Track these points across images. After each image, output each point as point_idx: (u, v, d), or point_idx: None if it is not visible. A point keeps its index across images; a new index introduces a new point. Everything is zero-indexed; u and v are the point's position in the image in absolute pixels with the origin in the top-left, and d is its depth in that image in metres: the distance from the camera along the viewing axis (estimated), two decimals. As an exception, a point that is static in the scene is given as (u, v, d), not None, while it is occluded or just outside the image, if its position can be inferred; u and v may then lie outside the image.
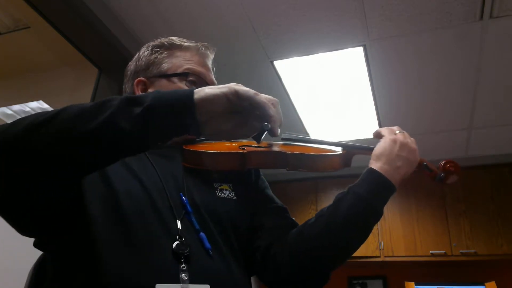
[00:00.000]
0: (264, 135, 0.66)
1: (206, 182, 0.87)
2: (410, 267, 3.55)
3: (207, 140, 0.94)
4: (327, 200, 3.77)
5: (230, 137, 0.66)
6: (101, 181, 0.75)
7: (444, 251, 3.29)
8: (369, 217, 0.79)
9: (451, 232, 3.37)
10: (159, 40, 1.01)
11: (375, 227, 3.43)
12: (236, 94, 0.62)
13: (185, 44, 0.99)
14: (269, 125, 0.64)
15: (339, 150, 0.93)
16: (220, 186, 0.88)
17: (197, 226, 0.76)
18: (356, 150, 0.94)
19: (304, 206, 3.81)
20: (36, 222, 0.67)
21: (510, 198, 3.33)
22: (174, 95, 0.61)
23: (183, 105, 0.60)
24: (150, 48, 1.00)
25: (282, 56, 2.41)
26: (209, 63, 1.01)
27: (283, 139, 0.94)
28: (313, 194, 3.86)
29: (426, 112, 2.95)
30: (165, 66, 0.96)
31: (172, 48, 0.99)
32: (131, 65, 1.02)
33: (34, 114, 0.60)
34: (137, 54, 1.02)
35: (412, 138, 0.89)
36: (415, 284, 3.34)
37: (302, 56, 2.40)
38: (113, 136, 0.58)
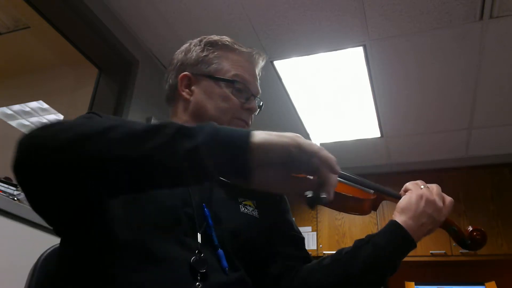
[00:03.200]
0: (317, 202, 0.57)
1: (231, 195, 0.86)
2: (410, 267, 3.55)
3: None
4: (327, 200, 3.76)
5: (278, 191, 0.60)
6: None
7: (444, 251, 3.29)
8: (387, 271, 0.80)
9: (451, 232, 3.36)
10: (212, 37, 0.98)
11: (375, 227, 3.42)
12: (298, 147, 0.54)
13: (239, 48, 0.97)
14: (325, 195, 0.55)
15: (370, 192, 0.89)
16: (244, 201, 0.87)
17: (216, 242, 0.75)
18: (387, 196, 0.90)
19: (304, 206, 3.80)
20: (61, 216, 0.65)
21: (510, 198, 3.33)
22: (231, 136, 0.54)
23: (238, 148, 0.53)
24: (203, 44, 0.97)
25: (282, 56, 2.41)
26: (258, 70, 1.00)
27: None
28: (313, 194, 3.85)
29: (426, 112, 2.95)
30: (214, 67, 0.93)
31: (224, 49, 0.96)
32: (179, 55, 0.99)
33: (80, 122, 0.58)
34: (187, 45, 1.00)
35: (443, 194, 0.86)
36: (415, 284, 3.34)
37: (302, 56, 2.40)
38: (156, 168, 0.54)
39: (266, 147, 0.53)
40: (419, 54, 2.35)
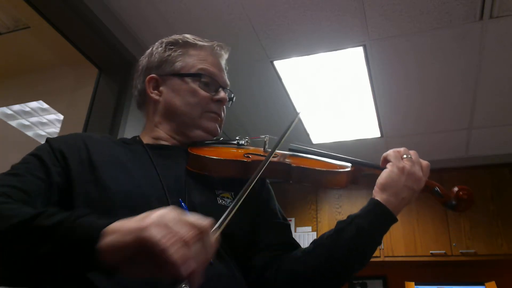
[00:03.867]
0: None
1: (208, 188, 0.85)
2: (410, 267, 3.55)
3: (213, 145, 0.93)
4: (327, 200, 3.77)
5: (152, 276, 0.52)
6: (94, 183, 0.74)
7: (444, 251, 3.29)
8: (370, 247, 0.80)
9: (451, 232, 3.36)
10: (173, 37, 0.99)
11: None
12: (145, 244, 0.48)
13: (200, 43, 0.98)
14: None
15: (348, 166, 0.87)
16: (221, 193, 0.86)
17: None
18: (365, 168, 0.88)
19: (304, 206, 3.81)
20: None
21: (510, 198, 3.33)
22: (80, 236, 0.53)
23: (84, 251, 0.51)
24: (164, 45, 0.98)
25: (282, 56, 2.41)
26: (223, 63, 1.00)
27: (290, 149, 0.92)
28: (313, 194, 3.85)
29: (426, 112, 2.95)
30: (179, 64, 0.95)
31: (186, 46, 0.97)
32: (143, 60, 1.00)
33: None
34: (150, 49, 1.00)
35: (421, 161, 0.85)
36: (415, 284, 3.34)
37: (302, 56, 2.40)
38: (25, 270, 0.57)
39: (115, 247, 0.50)
40: (419, 54, 2.35)
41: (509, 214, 3.28)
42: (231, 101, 1.01)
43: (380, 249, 3.45)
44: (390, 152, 0.85)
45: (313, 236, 3.58)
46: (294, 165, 0.85)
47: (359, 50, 2.33)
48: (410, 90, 2.70)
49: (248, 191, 0.69)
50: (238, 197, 0.66)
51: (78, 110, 2.39)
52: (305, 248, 0.85)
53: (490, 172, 3.47)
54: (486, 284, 3.17)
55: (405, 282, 3.38)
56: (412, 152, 0.84)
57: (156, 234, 0.47)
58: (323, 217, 3.67)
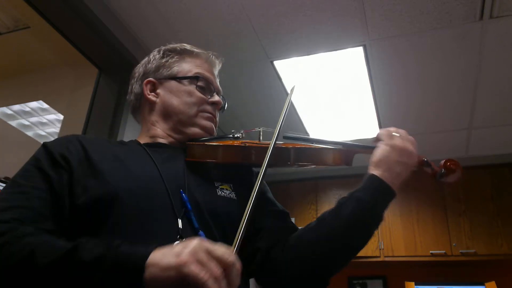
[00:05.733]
0: None
1: (208, 181, 0.88)
2: (410, 267, 3.55)
3: (210, 140, 0.96)
4: (327, 200, 3.77)
5: None
6: (95, 181, 0.75)
7: (444, 251, 3.29)
8: (371, 222, 0.80)
9: (451, 232, 3.36)
10: (170, 45, 1.05)
11: (375, 227, 3.33)
12: (186, 278, 0.55)
13: (196, 51, 1.03)
14: None
15: (339, 147, 0.94)
16: (221, 185, 0.89)
17: (196, 225, 0.77)
18: (356, 149, 0.93)
19: (304, 206, 3.81)
20: None
21: (510, 198, 3.33)
22: (125, 273, 0.58)
23: (133, 283, 0.58)
24: (161, 52, 1.03)
25: (282, 56, 2.41)
26: (216, 72, 1.06)
27: (285, 137, 0.95)
28: (313, 194, 3.86)
29: (426, 112, 2.95)
30: (176, 69, 1.00)
31: (183, 53, 1.02)
32: (140, 68, 1.05)
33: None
34: (146, 58, 1.05)
35: (410, 138, 0.89)
36: (415, 284, 3.34)
37: (302, 56, 2.40)
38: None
39: (157, 282, 0.56)
40: (419, 54, 2.35)
41: (509, 214, 3.28)
42: (222, 109, 1.06)
43: (380, 249, 3.45)
44: (381, 131, 0.90)
45: (313, 236, 3.57)
46: (291, 146, 0.89)
47: (359, 50, 2.33)
48: (410, 90, 2.70)
49: (255, 192, 0.72)
50: (250, 202, 0.71)
51: (78, 110, 2.39)
52: (309, 224, 0.86)
53: (490, 172, 3.47)
54: (486, 284, 3.17)
55: (405, 282, 3.38)
56: (401, 131, 0.89)
57: (195, 270, 0.54)
58: (323, 217, 3.66)
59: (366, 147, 0.92)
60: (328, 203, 3.75)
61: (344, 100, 2.85)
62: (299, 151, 0.89)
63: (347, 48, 2.31)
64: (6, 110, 3.35)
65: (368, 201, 0.79)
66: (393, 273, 3.64)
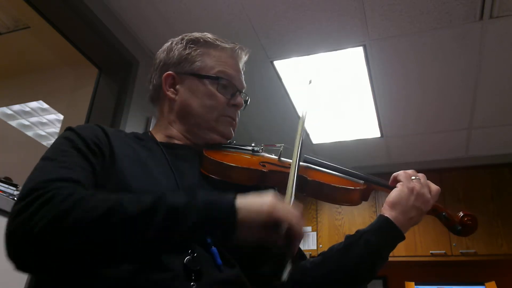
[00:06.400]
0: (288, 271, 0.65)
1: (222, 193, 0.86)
2: (410, 267, 3.55)
3: (228, 148, 0.93)
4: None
5: (256, 242, 0.66)
6: (115, 177, 0.73)
7: (444, 251, 3.29)
8: (378, 265, 0.82)
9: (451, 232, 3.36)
10: (194, 34, 0.97)
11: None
12: (275, 220, 0.62)
13: (221, 44, 0.96)
14: (289, 265, 0.64)
15: (360, 182, 0.90)
16: None
17: (209, 240, 0.74)
18: (376, 186, 0.91)
19: (304, 206, 3.80)
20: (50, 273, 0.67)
21: (510, 198, 3.33)
22: (217, 215, 0.62)
23: (226, 225, 0.62)
24: (184, 42, 0.96)
25: (282, 56, 2.41)
26: (241, 65, 0.99)
27: (305, 161, 0.93)
28: (313, 194, 3.85)
29: (426, 112, 2.95)
30: (198, 64, 0.93)
31: (207, 46, 0.95)
32: (161, 55, 0.98)
33: (85, 203, 0.60)
34: (169, 43, 0.99)
35: (429, 183, 0.88)
36: (415, 284, 3.34)
37: (302, 56, 2.40)
38: (154, 249, 0.63)
39: (248, 223, 0.62)
40: (419, 54, 2.35)
41: (509, 214, 3.27)
42: (245, 104, 1.01)
43: (380, 249, 3.44)
44: (400, 173, 0.89)
45: (313, 236, 3.58)
46: (310, 178, 0.85)
47: (359, 50, 2.33)
48: (410, 90, 2.70)
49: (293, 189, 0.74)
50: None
51: (78, 110, 2.40)
52: (314, 259, 0.87)
53: (490, 172, 3.47)
54: (486, 284, 3.17)
55: (405, 282, 3.38)
56: (420, 175, 0.89)
57: (285, 214, 0.62)
58: (323, 217, 3.67)
59: (385, 186, 0.90)
60: (328, 203, 3.74)
61: (344, 100, 2.85)
62: (317, 186, 0.86)
63: (347, 48, 2.31)
64: (6, 110, 3.36)
65: (376, 244, 0.81)
66: (393, 273, 3.64)
